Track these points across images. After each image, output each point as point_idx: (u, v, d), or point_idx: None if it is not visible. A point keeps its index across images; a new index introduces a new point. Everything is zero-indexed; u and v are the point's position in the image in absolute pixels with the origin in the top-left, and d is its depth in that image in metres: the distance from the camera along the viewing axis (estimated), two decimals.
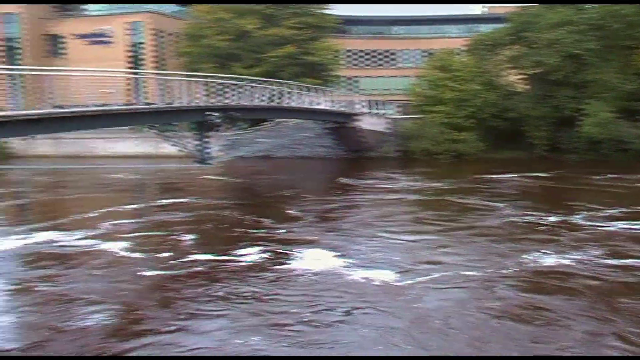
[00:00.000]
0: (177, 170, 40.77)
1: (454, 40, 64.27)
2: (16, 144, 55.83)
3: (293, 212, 26.20)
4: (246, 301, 14.34)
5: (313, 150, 50.15)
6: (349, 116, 44.83)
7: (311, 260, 17.79)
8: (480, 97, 46.33)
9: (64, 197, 34.43)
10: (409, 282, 15.57)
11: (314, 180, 41.41)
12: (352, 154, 48.90)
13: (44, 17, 64.07)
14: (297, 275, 16.49)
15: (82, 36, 62.77)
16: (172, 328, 12.84)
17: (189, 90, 26.17)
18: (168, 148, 36.84)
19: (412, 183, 34.94)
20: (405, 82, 58.21)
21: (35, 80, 21.13)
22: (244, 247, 19.49)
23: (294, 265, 17.42)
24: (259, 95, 31.59)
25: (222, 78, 29.34)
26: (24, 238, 21.75)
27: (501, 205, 26.66)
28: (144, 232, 23.42)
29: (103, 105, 21.36)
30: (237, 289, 15.26)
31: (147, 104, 24.79)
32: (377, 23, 73.36)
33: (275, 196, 32.37)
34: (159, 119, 25.71)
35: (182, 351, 11.72)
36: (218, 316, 13.50)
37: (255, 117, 36.59)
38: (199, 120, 27.41)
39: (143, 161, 49.49)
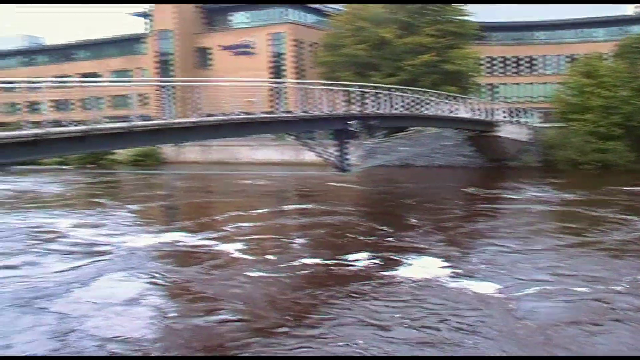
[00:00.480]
0: (315, 177, 41.59)
1: (601, 44, 61.09)
2: (168, 150, 59.57)
3: (412, 220, 26.06)
4: (347, 305, 14.63)
5: (451, 159, 49.44)
6: (489, 124, 43.84)
7: (418, 268, 17.74)
8: (631, 104, 43.75)
9: (200, 201, 36.45)
10: (513, 294, 15.09)
11: (444, 189, 40.46)
12: (491, 163, 47.73)
13: (195, 31, 67.77)
14: (401, 282, 16.50)
15: (227, 48, 65.80)
16: (278, 327, 13.33)
17: (329, 99, 26.63)
18: (308, 156, 37.69)
19: (543, 194, 33.41)
20: (547, 89, 56.20)
21: (185, 90, 22.42)
22: (355, 252, 19.78)
23: (400, 272, 17.38)
24: (397, 103, 31.63)
25: (361, 86, 29.61)
26: (154, 237, 23.68)
27: (636, 219, 24.84)
28: (263, 235, 24.35)
29: (247, 113, 22.23)
30: (340, 292, 15.62)
31: (288, 112, 25.54)
32: (518, 29, 71.10)
33: (400, 204, 32.31)
34: (300, 127, 26.41)
35: (285, 350, 12.14)
36: (321, 318, 13.86)
37: (393, 125, 36.64)
38: (339, 129, 27.86)
39: (283, 168, 50.94)
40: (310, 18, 68.06)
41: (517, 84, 68.81)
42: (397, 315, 13.81)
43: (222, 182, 45.92)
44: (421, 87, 37.87)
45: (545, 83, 64.43)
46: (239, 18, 68.18)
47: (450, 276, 16.83)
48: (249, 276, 17.59)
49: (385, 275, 17.16)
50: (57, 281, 17.35)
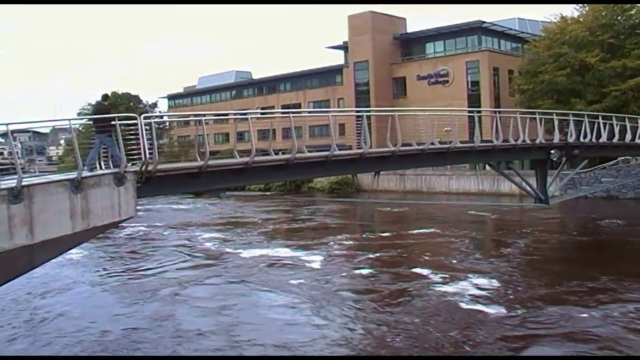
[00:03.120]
0: (503, 208, 40.67)
1: None
2: (365, 178, 60.80)
3: (515, 249, 27.76)
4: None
5: None
6: None
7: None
8: None
9: (345, 223, 40.53)
10: None
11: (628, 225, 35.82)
12: None
13: (391, 62, 68.92)
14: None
15: (423, 77, 66.08)
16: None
17: (527, 128, 25.68)
18: (506, 186, 36.53)
19: None
20: None
21: (381, 120, 22.73)
22: (427, 274, 22.95)
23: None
24: (600, 131, 29.62)
25: (561, 114, 28.32)
26: (271, 250, 28.92)
27: None
28: (347, 250, 29.05)
29: (443, 143, 22.02)
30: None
31: (485, 141, 24.93)
32: None
33: (525, 234, 32.05)
34: (497, 156, 25.80)
35: None
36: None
37: (598, 154, 34.54)
38: (538, 158, 26.79)
39: (479, 199, 49.73)
40: (506, 45, 66.59)
41: None
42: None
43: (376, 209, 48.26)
44: (630, 114, 35.39)
45: None
46: (435, 47, 68.32)
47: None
48: (327, 280, 22.25)
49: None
50: (171, 280, 22.90)
